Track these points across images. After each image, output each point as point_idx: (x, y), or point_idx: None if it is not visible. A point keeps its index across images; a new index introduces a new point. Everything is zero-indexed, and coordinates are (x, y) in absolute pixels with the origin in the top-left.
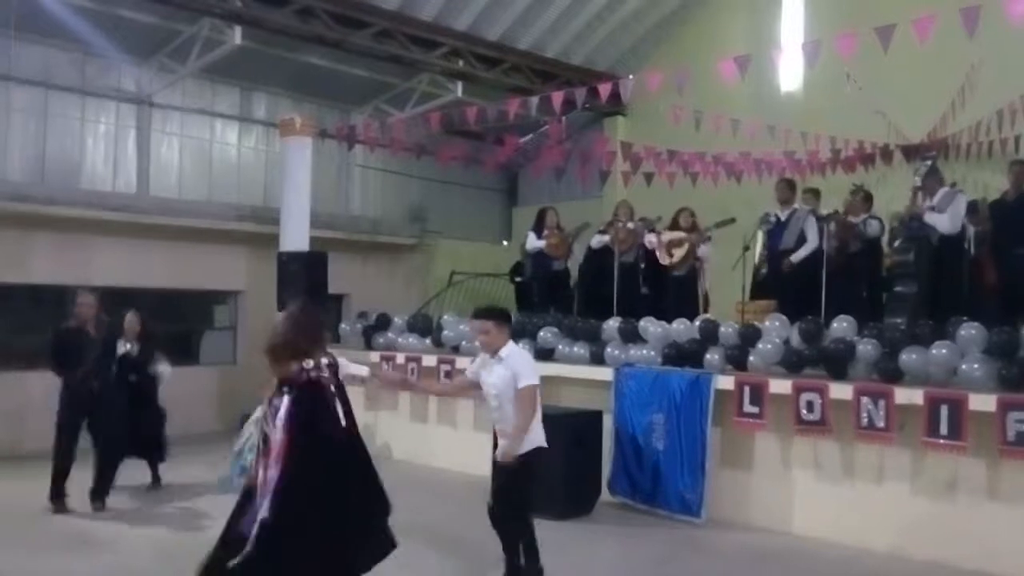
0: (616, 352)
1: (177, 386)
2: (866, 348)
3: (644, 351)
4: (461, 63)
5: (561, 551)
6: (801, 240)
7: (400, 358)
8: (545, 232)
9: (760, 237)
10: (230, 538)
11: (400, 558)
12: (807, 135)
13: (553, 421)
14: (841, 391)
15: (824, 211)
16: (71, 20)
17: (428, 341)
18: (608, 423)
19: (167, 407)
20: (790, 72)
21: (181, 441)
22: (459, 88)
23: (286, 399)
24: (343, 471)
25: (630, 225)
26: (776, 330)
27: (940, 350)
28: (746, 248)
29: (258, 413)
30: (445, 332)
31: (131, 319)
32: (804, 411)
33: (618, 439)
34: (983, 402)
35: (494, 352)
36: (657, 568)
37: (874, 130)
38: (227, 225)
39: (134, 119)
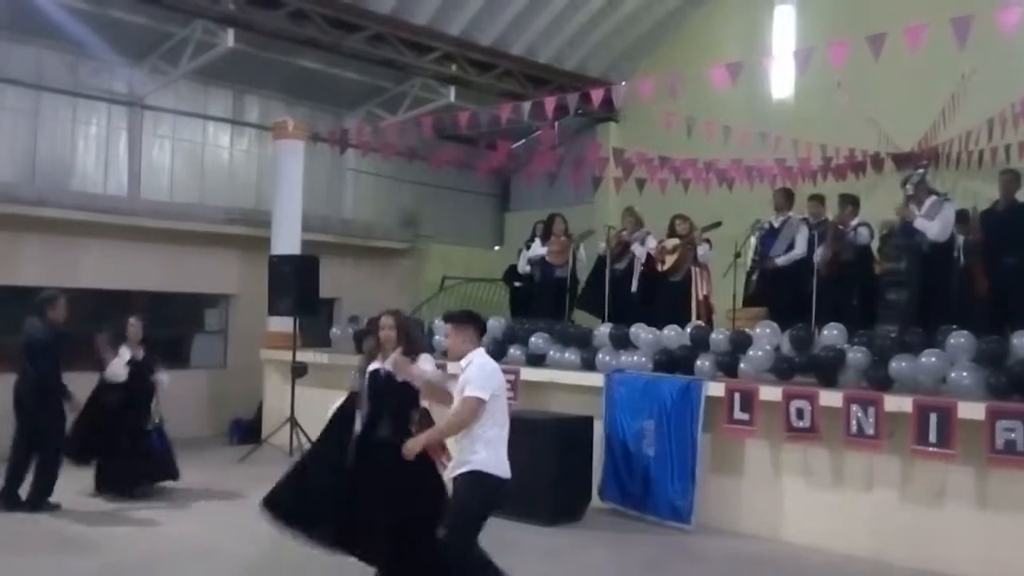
0: (607, 358)
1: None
2: (856, 356)
3: (635, 357)
4: (454, 68)
5: (551, 557)
6: (791, 248)
7: None
8: (551, 239)
9: (752, 243)
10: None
11: None
12: (798, 142)
13: (544, 427)
14: (831, 398)
15: (828, 216)
16: (64, 21)
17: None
18: (599, 429)
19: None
20: (782, 79)
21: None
22: (452, 93)
23: None
24: None
25: (623, 234)
26: (767, 337)
27: (930, 358)
28: (737, 255)
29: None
30: (436, 337)
31: (135, 324)
32: (794, 418)
33: (609, 445)
34: (972, 410)
35: (458, 358)
36: (647, 574)
37: (865, 138)
38: (218, 228)
39: (126, 121)
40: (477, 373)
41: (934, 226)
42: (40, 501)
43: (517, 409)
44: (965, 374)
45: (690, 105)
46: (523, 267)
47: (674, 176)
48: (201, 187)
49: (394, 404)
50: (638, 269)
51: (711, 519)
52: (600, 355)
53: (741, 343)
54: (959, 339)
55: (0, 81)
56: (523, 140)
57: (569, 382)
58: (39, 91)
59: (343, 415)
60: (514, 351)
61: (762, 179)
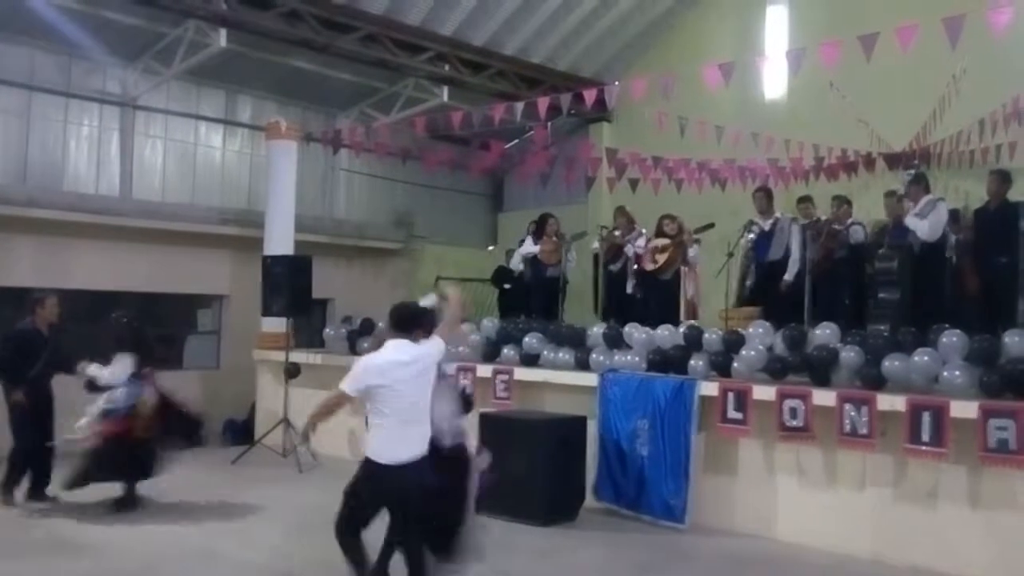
0: (601, 358)
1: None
2: (849, 355)
3: (629, 357)
4: (447, 68)
5: (545, 556)
6: (787, 254)
7: None
8: (543, 238)
9: (743, 244)
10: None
11: None
12: (791, 142)
13: (538, 427)
14: (824, 398)
15: (819, 217)
16: (55, 21)
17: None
18: (592, 429)
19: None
20: (774, 80)
21: None
22: (444, 93)
23: None
24: None
25: (616, 234)
26: (760, 337)
27: (922, 357)
28: (730, 255)
29: None
30: None
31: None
32: (787, 417)
33: (602, 445)
34: (964, 409)
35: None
36: (641, 574)
37: (857, 138)
38: (211, 229)
39: (118, 121)
40: (356, 367)
41: (924, 225)
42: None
43: (511, 409)
44: (958, 373)
45: (683, 105)
46: (516, 264)
47: (667, 176)
48: (193, 187)
49: None
50: (632, 269)
51: (705, 518)
52: (594, 355)
53: (734, 343)
54: (951, 338)
55: None
56: (516, 140)
57: (563, 382)
58: (31, 91)
59: None
60: (508, 351)
61: (755, 179)
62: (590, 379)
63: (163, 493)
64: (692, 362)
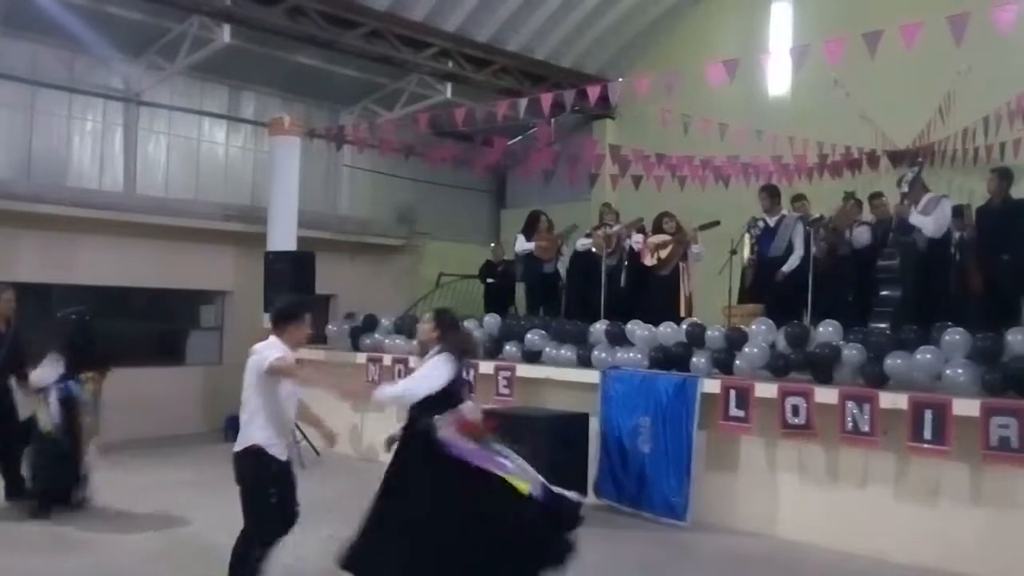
0: (603, 355)
1: (162, 386)
2: (851, 353)
3: (631, 354)
4: (450, 64)
5: None
6: (790, 249)
7: (387, 359)
8: (536, 235)
9: (747, 241)
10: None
11: None
12: (794, 140)
13: (539, 423)
14: (826, 395)
15: (814, 214)
16: (59, 16)
17: (415, 343)
18: (594, 426)
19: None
20: (778, 76)
21: (166, 442)
22: (448, 89)
23: None
24: None
25: (613, 228)
26: (762, 334)
27: (925, 355)
28: (733, 252)
29: None
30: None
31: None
32: (789, 415)
33: (604, 442)
34: (967, 407)
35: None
36: (642, 571)
37: (861, 135)
38: (214, 224)
39: (122, 117)
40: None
41: (929, 222)
42: None
43: (513, 406)
44: (960, 371)
45: (686, 102)
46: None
47: (670, 173)
48: (197, 183)
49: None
50: (625, 264)
51: (706, 516)
52: (596, 352)
53: (736, 340)
54: (954, 336)
55: None
56: (519, 137)
57: (565, 379)
58: (35, 87)
59: None
60: (510, 348)
61: (758, 176)
62: (592, 376)
63: (162, 487)
64: (694, 359)
